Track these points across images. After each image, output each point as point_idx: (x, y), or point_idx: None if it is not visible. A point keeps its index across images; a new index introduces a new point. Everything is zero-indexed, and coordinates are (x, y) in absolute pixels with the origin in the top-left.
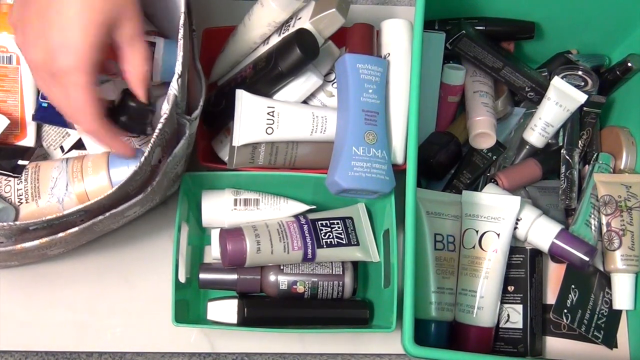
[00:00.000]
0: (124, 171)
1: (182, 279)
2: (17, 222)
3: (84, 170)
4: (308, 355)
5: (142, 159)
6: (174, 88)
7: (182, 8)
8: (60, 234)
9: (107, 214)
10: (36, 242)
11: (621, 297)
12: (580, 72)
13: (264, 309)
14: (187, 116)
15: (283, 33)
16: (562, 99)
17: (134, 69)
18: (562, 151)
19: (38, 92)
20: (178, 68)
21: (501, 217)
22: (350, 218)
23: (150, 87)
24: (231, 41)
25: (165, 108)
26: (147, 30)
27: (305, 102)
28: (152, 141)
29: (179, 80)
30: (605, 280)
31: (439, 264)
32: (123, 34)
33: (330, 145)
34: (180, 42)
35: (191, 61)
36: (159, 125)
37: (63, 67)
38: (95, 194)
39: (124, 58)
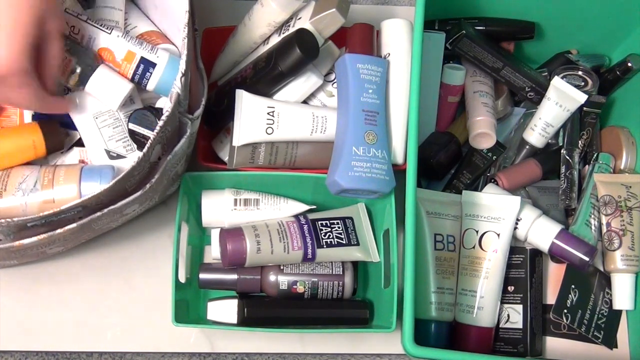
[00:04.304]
0: (95, 186)
1: (182, 279)
2: (15, 219)
3: (55, 180)
4: (308, 355)
5: (141, 155)
6: (177, 86)
7: (187, 7)
8: (59, 230)
9: (106, 210)
10: (35, 239)
11: (621, 297)
12: (580, 72)
13: (264, 309)
14: (189, 115)
15: (283, 33)
16: (562, 99)
17: (49, 62)
18: (562, 151)
19: None
20: (182, 66)
21: (501, 217)
22: (350, 218)
23: (58, 79)
24: (231, 41)
25: (167, 106)
26: (148, 31)
27: (305, 102)
28: (151, 138)
29: (182, 78)
30: (605, 280)
31: (439, 264)
32: (50, 29)
33: (330, 145)
34: (185, 41)
35: (193, 60)
36: (160, 123)
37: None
38: (63, 203)
39: (46, 51)
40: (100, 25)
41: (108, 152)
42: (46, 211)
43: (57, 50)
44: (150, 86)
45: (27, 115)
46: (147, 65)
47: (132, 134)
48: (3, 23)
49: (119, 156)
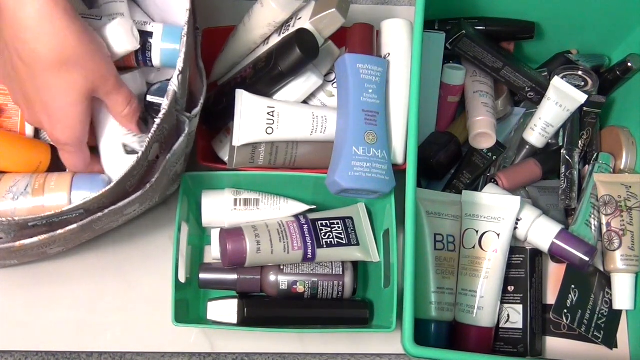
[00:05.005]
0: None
1: (182, 279)
2: (16, 218)
3: (47, 186)
4: (308, 355)
5: (140, 154)
6: (174, 84)
7: (188, 5)
8: (60, 231)
9: (106, 210)
10: (35, 239)
11: (621, 297)
12: (580, 72)
13: (264, 309)
14: (187, 113)
15: (283, 33)
16: (562, 99)
17: (120, 114)
18: (562, 151)
19: None
20: (179, 64)
21: (501, 217)
22: (350, 218)
23: (140, 120)
24: (231, 41)
25: (164, 103)
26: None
27: (305, 102)
28: (149, 136)
29: (180, 76)
30: (605, 280)
31: (439, 264)
32: (102, 92)
33: (330, 145)
34: (184, 39)
35: (194, 59)
36: (157, 121)
37: (60, 141)
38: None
39: (108, 107)
40: (109, 20)
41: (125, 145)
42: (48, 212)
43: (120, 103)
44: (155, 59)
45: (29, 128)
46: (144, 35)
47: (150, 106)
48: (55, 106)
49: (134, 152)
